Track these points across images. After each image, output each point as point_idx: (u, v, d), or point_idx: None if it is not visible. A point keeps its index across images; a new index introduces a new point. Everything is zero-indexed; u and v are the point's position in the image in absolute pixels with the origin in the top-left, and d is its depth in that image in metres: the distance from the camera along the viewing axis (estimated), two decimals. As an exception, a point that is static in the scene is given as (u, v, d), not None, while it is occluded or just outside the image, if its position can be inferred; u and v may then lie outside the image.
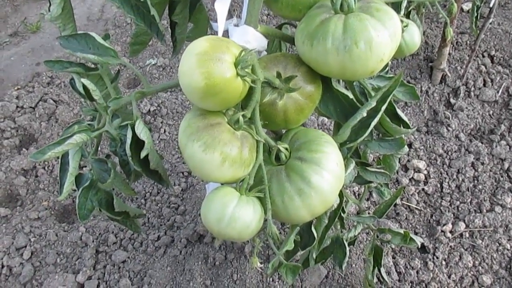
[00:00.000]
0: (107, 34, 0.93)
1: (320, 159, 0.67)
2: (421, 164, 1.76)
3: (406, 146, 0.81)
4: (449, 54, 2.01)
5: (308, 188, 0.65)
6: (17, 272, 1.61)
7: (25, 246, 1.68)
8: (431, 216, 1.65)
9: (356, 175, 0.90)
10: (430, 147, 1.83)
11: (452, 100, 1.96)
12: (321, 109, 0.78)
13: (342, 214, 0.85)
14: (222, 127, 0.66)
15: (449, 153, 1.81)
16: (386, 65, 0.91)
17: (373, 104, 0.73)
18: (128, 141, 0.78)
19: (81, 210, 0.92)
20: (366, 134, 0.74)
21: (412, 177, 1.75)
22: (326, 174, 0.66)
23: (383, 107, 0.74)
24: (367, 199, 1.68)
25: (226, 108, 0.68)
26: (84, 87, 0.81)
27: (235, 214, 0.65)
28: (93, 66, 0.92)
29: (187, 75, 0.62)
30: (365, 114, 0.72)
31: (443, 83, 2.02)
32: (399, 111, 0.81)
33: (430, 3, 0.82)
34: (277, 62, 0.73)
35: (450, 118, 1.90)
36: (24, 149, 2.03)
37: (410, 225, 1.64)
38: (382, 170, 0.87)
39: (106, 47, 0.85)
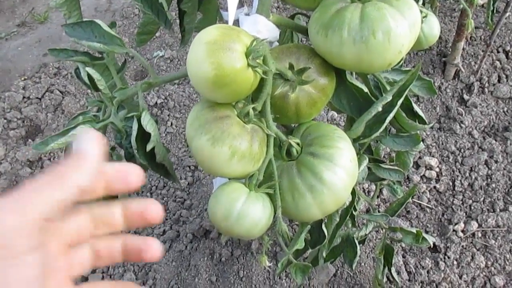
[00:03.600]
0: (114, 22, 0.91)
1: (332, 155, 0.64)
2: (433, 161, 1.72)
3: (421, 143, 0.78)
4: (463, 49, 1.96)
5: (320, 184, 0.62)
6: (21, 264, 1.60)
7: (30, 238, 1.67)
8: (443, 214, 1.62)
9: (368, 172, 0.87)
10: (442, 144, 1.79)
11: (466, 96, 1.92)
12: (334, 103, 0.75)
13: (353, 212, 0.82)
14: (231, 120, 0.63)
15: (462, 150, 1.76)
16: (402, 58, 0.88)
17: (389, 98, 0.70)
18: (134, 133, 0.75)
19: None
20: (381, 129, 0.71)
21: (424, 175, 1.71)
22: (339, 170, 0.63)
23: (399, 102, 0.71)
24: (377, 196, 1.65)
25: (236, 101, 0.66)
26: (89, 76, 0.79)
27: (244, 211, 0.62)
28: (98, 55, 0.89)
29: (195, 65, 0.59)
30: (380, 109, 0.69)
31: (456, 79, 1.97)
32: (415, 106, 0.78)
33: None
34: (289, 53, 0.70)
35: (463, 115, 1.85)
36: (30, 140, 2.02)
37: (421, 224, 1.60)
38: (396, 167, 0.84)
39: (112, 35, 0.82)
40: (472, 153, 1.74)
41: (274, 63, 0.65)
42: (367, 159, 0.79)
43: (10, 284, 0.34)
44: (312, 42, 0.69)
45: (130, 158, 0.90)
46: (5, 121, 2.07)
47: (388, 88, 0.78)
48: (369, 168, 0.88)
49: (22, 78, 2.29)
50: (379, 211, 1.48)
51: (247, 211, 0.62)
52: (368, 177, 0.87)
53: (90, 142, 0.40)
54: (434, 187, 1.68)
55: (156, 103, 2.09)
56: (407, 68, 0.84)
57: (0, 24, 2.72)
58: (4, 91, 2.22)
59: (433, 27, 0.81)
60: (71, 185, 0.38)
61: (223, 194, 0.64)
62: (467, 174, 1.69)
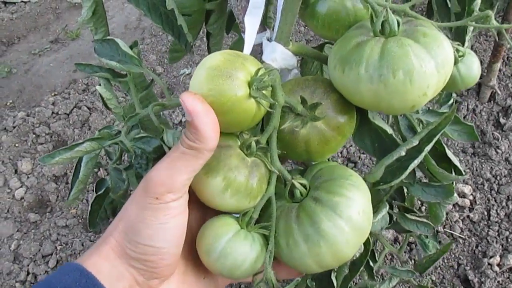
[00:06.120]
0: (136, 41, 0.89)
1: (337, 204, 0.56)
2: (467, 189, 1.62)
3: (456, 195, 0.70)
4: (500, 70, 1.87)
5: (316, 235, 0.54)
6: (41, 280, 1.60)
7: (51, 254, 1.68)
8: (477, 246, 1.52)
9: (392, 221, 0.79)
10: (476, 170, 1.69)
11: (502, 120, 1.81)
12: (356, 143, 0.69)
13: (371, 264, 0.74)
14: (231, 151, 0.59)
15: (498, 177, 1.66)
16: (451, 99, 0.80)
17: (415, 142, 0.62)
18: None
19: (93, 218, 0.88)
20: (403, 176, 0.63)
21: (456, 203, 1.62)
22: (341, 222, 0.55)
23: (428, 148, 0.62)
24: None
25: (238, 131, 0.61)
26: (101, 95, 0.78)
27: (227, 249, 0.57)
28: (123, 72, 0.88)
29: (195, 89, 0.56)
30: (403, 153, 0.62)
31: (492, 101, 1.87)
32: (449, 153, 0.69)
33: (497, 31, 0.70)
34: (305, 86, 0.65)
35: (500, 140, 1.75)
36: (56, 155, 2.05)
37: (453, 255, 1.51)
38: (425, 220, 0.75)
39: (131, 55, 0.80)
40: (509, 181, 1.64)
41: (284, 95, 0.60)
42: (387, 206, 0.72)
43: (160, 225, 0.52)
44: (330, 77, 0.64)
45: (139, 177, 0.88)
46: (34, 136, 2.11)
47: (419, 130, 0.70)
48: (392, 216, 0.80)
49: (52, 94, 2.34)
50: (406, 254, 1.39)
51: (230, 250, 0.57)
52: (394, 226, 0.79)
53: (202, 119, 0.52)
54: (468, 216, 1.59)
55: (181, 121, 2.08)
56: (444, 110, 0.77)
57: (34, 41, 2.80)
58: (34, 106, 2.26)
59: (472, 67, 0.71)
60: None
61: (211, 227, 0.59)
62: (504, 203, 1.59)
